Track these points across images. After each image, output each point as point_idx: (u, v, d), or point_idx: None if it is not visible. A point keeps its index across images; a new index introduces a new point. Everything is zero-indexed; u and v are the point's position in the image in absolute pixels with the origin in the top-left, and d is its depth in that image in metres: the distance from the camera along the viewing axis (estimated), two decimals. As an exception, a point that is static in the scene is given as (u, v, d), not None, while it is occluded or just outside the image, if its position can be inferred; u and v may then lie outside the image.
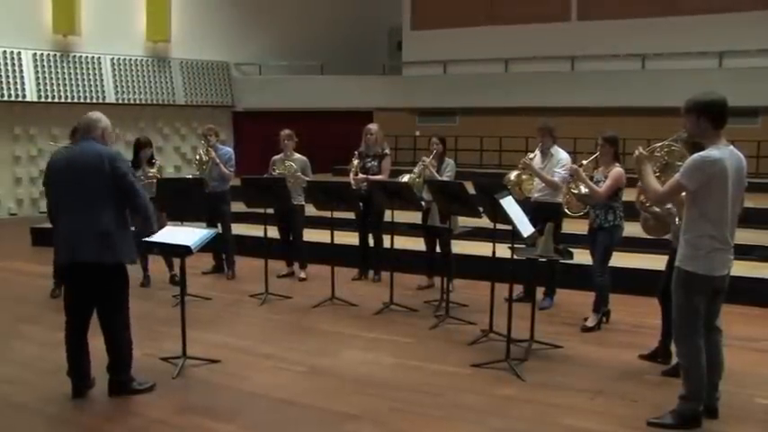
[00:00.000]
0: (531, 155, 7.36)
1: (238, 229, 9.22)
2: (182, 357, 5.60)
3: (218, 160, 8.65)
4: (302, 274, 8.87)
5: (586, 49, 15.12)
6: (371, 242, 8.76)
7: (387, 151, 8.63)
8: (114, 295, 4.97)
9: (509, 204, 5.75)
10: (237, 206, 8.88)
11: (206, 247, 5.53)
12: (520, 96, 15.17)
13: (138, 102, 14.78)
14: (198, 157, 8.90)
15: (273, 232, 8.66)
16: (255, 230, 8.66)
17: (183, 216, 7.70)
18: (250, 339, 6.48)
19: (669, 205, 5.26)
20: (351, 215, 8.54)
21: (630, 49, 14.77)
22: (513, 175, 7.41)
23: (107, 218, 4.76)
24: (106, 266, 4.82)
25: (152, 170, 8.28)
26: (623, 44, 14.78)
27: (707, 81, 12.25)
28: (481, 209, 6.51)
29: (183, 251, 5.36)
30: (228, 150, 9.00)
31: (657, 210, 5.46)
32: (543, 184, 7.29)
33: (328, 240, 7.85)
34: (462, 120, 16.77)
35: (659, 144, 5.02)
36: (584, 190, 6.43)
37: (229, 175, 8.74)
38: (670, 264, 5.49)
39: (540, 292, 7.29)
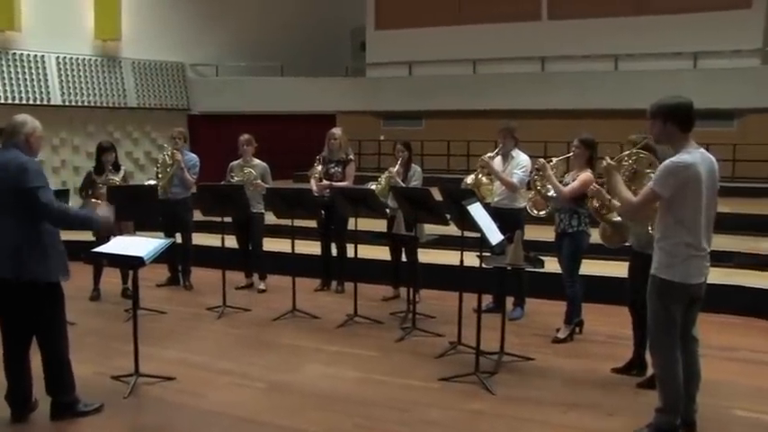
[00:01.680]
0: (491, 154, 7.40)
1: (194, 238, 9.14)
2: (134, 375, 5.52)
3: (183, 164, 8.61)
4: (262, 286, 8.82)
5: (557, 50, 15.25)
6: (334, 251, 8.75)
7: (351, 157, 8.63)
8: (44, 314, 4.79)
9: (477, 211, 5.77)
10: (194, 214, 8.82)
11: (160, 257, 5.46)
12: (488, 99, 15.24)
13: (86, 104, 14.54)
14: (160, 160, 8.85)
15: (231, 242, 8.60)
16: (212, 240, 8.59)
17: (136, 225, 7.61)
18: (207, 355, 6.42)
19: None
20: (312, 223, 8.50)
21: (603, 49, 14.92)
22: (470, 178, 7.45)
23: (14, 232, 4.60)
24: (26, 283, 4.64)
25: (115, 177, 8.19)
26: (595, 44, 14.93)
27: (681, 82, 12.45)
28: (448, 216, 6.54)
29: (135, 262, 5.28)
30: (194, 157, 8.95)
31: (615, 218, 5.53)
32: (503, 188, 7.33)
33: (289, 250, 7.82)
34: (428, 123, 16.83)
35: (626, 152, 5.06)
36: (551, 192, 6.48)
37: (191, 182, 8.69)
38: (632, 271, 5.56)
39: (509, 302, 7.32)
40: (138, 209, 7.40)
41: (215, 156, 10.54)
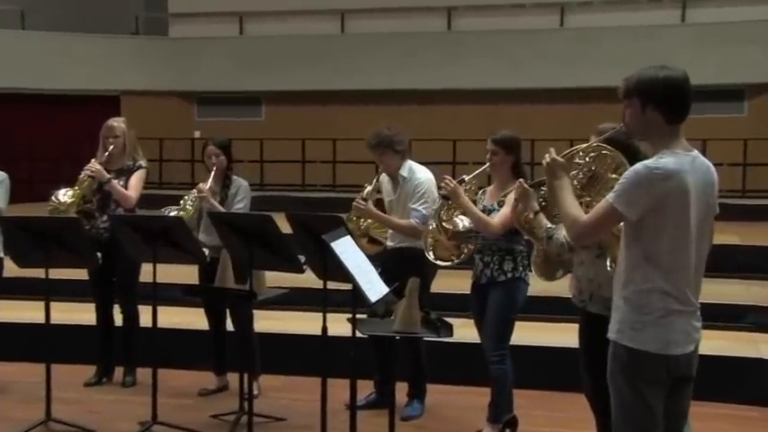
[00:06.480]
0: (369, 187, 7.47)
1: None
2: None
3: None
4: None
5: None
6: (118, 319, 8.66)
7: (142, 163, 8.57)
8: None
9: (346, 250, 5.82)
10: None
11: None
12: (364, 73, 15.48)
13: None
14: None
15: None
16: None
17: None
18: None
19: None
20: (82, 274, 8.40)
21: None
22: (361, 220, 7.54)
23: None
24: None
25: None
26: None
27: (663, 45, 12.91)
28: (302, 258, 6.58)
29: None
30: None
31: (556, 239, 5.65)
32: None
33: (41, 319, 7.66)
34: (271, 111, 16.96)
35: (582, 146, 5.15)
36: (464, 224, 6.60)
37: None
38: (583, 336, 5.71)
39: (401, 391, 7.40)
40: None
41: None
